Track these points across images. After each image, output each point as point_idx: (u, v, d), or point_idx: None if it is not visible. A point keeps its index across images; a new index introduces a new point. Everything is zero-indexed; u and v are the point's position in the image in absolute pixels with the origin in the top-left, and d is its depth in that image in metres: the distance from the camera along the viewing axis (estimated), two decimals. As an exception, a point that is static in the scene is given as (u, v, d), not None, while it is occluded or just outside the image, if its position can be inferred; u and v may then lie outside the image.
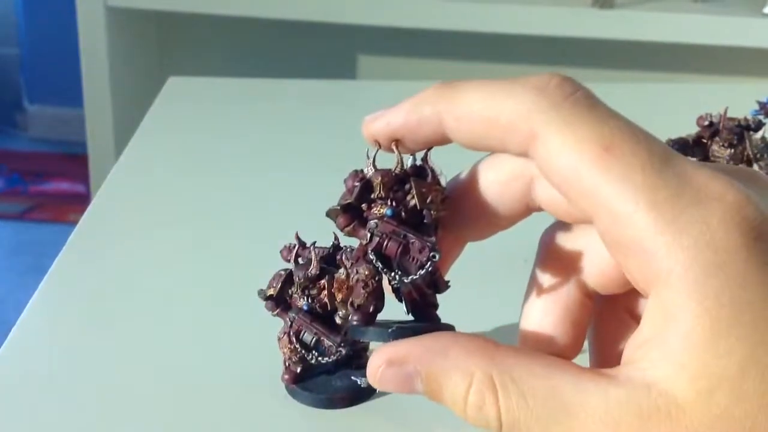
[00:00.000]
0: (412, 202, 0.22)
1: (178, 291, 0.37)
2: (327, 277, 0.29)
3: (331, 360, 0.30)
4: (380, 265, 0.22)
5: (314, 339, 0.30)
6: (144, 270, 0.38)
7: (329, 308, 0.29)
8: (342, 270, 0.29)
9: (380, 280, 0.22)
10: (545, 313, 0.23)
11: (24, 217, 1.53)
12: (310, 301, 0.29)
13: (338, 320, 0.29)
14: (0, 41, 1.75)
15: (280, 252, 0.30)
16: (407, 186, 0.22)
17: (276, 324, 0.30)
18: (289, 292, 0.30)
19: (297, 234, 0.30)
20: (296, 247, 0.30)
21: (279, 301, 0.30)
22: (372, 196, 0.22)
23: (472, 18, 1.03)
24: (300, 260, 0.30)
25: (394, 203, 0.22)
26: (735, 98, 0.38)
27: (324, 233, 0.29)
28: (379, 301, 0.23)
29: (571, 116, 0.20)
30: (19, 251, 1.42)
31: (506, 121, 0.21)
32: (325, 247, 0.29)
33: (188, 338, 0.33)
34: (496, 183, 0.23)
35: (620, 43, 1.06)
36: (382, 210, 0.22)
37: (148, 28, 1.23)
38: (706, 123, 0.36)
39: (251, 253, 0.39)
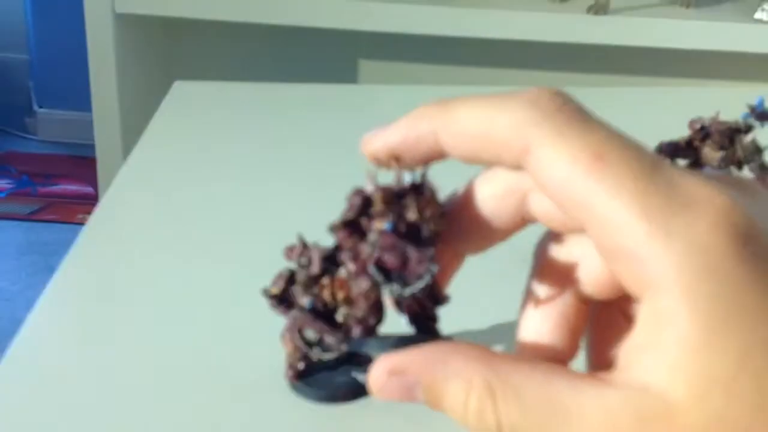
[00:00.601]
0: (411, 217, 0.22)
1: (184, 290, 0.37)
2: (329, 275, 0.30)
3: (333, 357, 0.31)
4: (380, 278, 0.22)
5: (316, 336, 0.30)
6: (150, 269, 0.39)
7: (331, 306, 0.30)
8: (343, 269, 0.30)
9: (380, 293, 0.23)
10: (542, 321, 0.23)
11: (33, 217, 1.53)
12: (312, 299, 0.30)
13: (340, 318, 0.30)
14: (10, 47, 1.76)
15: (283, 252, 0.31)
16: (405, 201, 0.23)
17: (279, 322, 0.31)
18: (292, 290, 0.30)
19: (299, 235, 0.31)
20: (299, 247, 0.30)
21: (282, 300, 0.31)
22: (371, 211, 0.23)
23: (471, 24, 1.03)
24: (302, 260, 0.30)
25: (392, 218, 0.22)
26: (726, 102, 0.38)
27: (325, 234, 0.30)
28: (379, 313, 0.23)
29: (563, 127, 0.20)
30: (28, 251, 1.43)
31: (500, 135, 0.21)
32: (327, 247, 0.30)
33: (194, 336, 0.34)
34: (492, 197, 0.23)
35: (614, 48, 1.07)
36: (381, 224, 0.22)
37: (156, 33, 1.23)
38: (698, 126, 0.36)
39: (256, 253, 0.39)
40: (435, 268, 0.22)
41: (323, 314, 0.30)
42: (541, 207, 0.22)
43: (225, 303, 0.36)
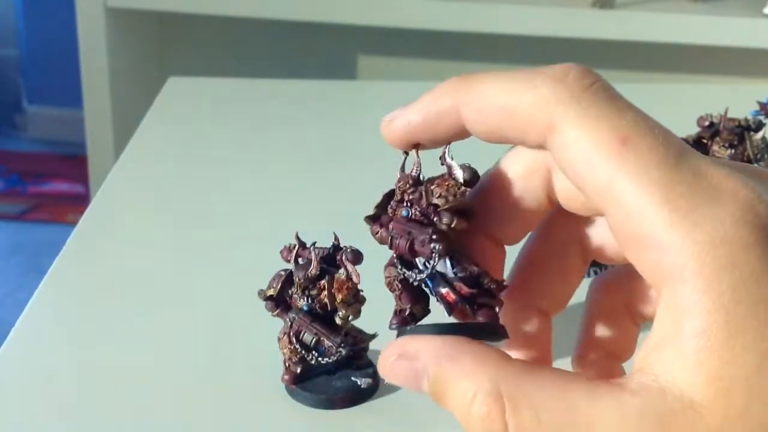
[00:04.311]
0: (432, 200, 0.22)
1: (177, 291, 0.37)
2: (327, 277, 0.29)
3: (331, 360, 0.30)
4: (400, 265, 0.22)
5: (314, 339, 0.30)
6: (143, 270, 0.38)
7: (329, 308, 0.29)
8: (342, 270, 0.29)
9: (405, 281, 0.23)
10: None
11: (23, 217, 1.52)
12: (310, 301, 0.29)
13: (338, 321, 0.29)
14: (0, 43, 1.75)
15: (280, 252, 0.30)
16: (423, 187, 0.23)
17: (276, 324, 0.30)
18: (289, 292, 0.30)
19: (297, 234, 0.30)
20: (296, 248, 0.30)
21: (279, 302, 0.30)
22: (393, 201, 0.23)
23: (472, 18, 1.03)
24: (300, 260, 0.30)
25: (409, 204, 0.22)
26: (735, 99, 0.38)
27: (324, 234, 0.29)
28: (414, 303, 0.23)
29: (590, 108, 0.20)
30: (17, 252, 1.42)
31: (525, 112, 0.21)
32: (325, 248, 0.29)
33: (188, 339, 0.33)
34: (518, 178, 0.22)
35: (620, 43, 1.06)
36: (399, 212, 0.22)
37: (148, 28, 1.22)
38: (707, 123, 0.36)
39: (251, 253, 0.39)
40: (438, 246, 0.21)
41: (321, 317, 0.30)
42: (560, 187, 0.22)
43: (220, 304, 0.36)
